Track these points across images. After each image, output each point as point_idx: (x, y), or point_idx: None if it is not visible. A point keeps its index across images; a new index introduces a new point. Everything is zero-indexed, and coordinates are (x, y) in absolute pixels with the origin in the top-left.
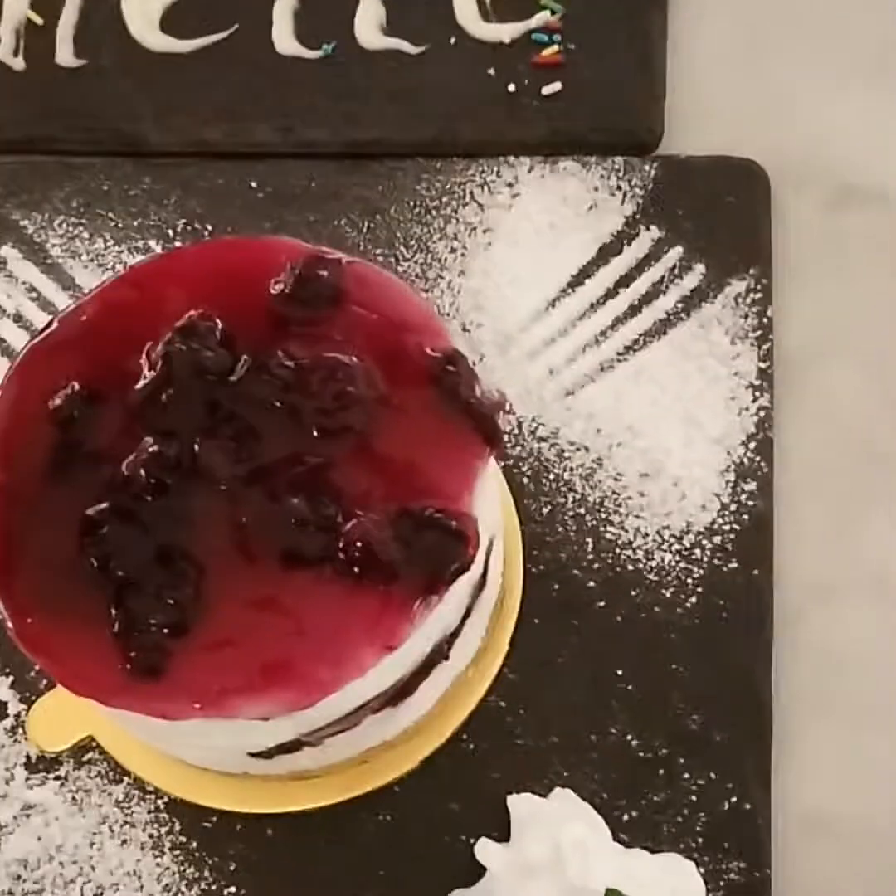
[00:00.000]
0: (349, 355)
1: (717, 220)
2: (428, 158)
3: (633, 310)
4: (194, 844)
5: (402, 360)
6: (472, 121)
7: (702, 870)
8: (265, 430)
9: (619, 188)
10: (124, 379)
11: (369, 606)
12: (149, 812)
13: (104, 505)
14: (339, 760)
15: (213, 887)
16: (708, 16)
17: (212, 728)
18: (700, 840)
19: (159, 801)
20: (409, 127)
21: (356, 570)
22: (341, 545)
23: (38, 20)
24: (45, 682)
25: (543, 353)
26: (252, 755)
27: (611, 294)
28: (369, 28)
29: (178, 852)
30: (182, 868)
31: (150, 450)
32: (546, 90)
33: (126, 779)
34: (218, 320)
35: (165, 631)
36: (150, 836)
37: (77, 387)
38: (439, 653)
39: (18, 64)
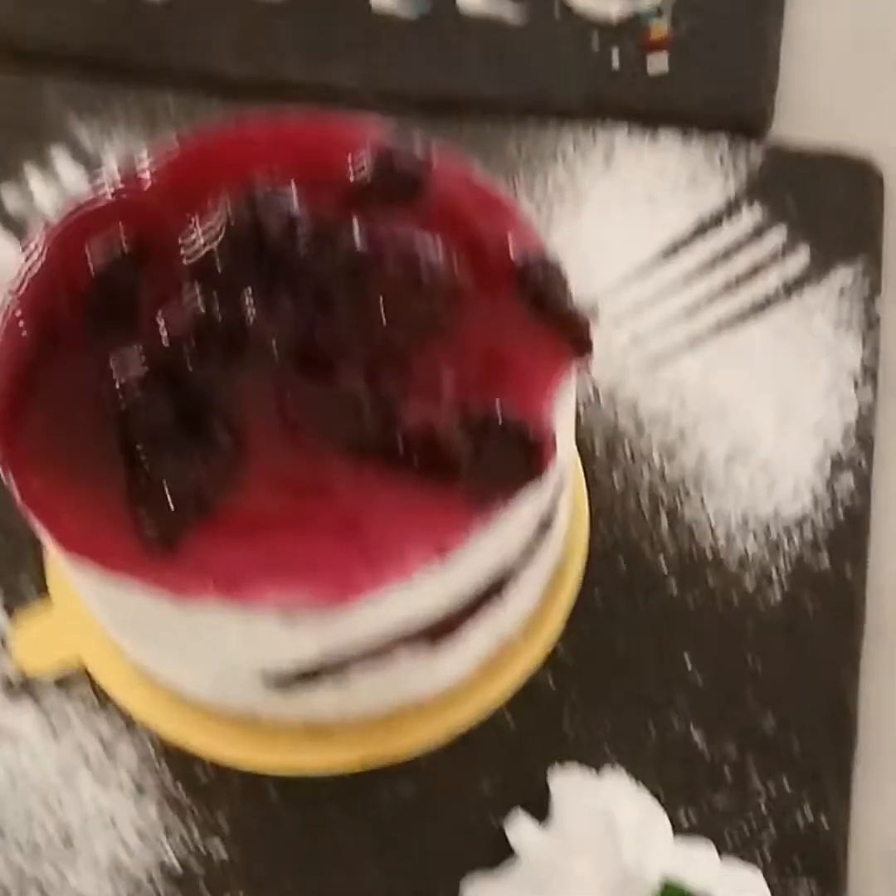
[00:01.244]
0: (430, 243)
1: (825, 208)
2: (520, 118)
3: (730, 288)
4: (183, 796)
5: (488, 256)
6: (569, 88)
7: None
8: (327, 309)
9: (722, 166)
10: (177, 244)
11: (424, 505)
12: (136, 753)
13: (137, 364)
14: (362, 713)
15: (197, 844)
16: (826, 3)
17: (227, 627)
18: (767, 855)
19: (150, 744)
20: (503, 86)
21: (415, 461)
22: (400, 434)
23: None
24: (35, 591)
25: (629, 320)
26: (263, 681)
27: (706, 269)
28: None
29: (163, 802)
30: (164, 818)
31: (197, 312)
32: (652, 69)
33: (113, 712)
34: (288, 190)
35: (187, 502)
36: (133, 780)
37: (124, 247)
38: (493, 590)
39: None
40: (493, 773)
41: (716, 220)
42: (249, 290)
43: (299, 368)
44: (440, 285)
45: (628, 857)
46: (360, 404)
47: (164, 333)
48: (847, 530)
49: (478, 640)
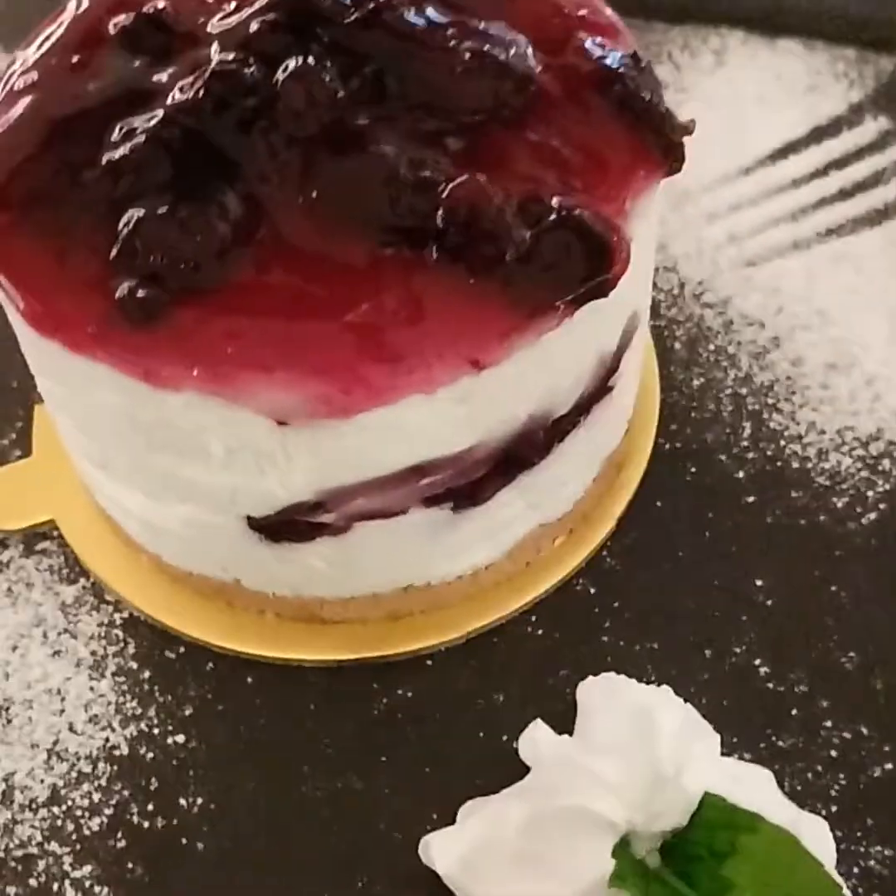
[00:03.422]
0: (503, 29)
1: None
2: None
3: (845, 194)
4: (146, 674)
5: (578, 57)
6: None
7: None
8: (371, 80)
9: (846, 76)
10: (209, 10)
11: (459, 305)
12: (99, 625)
13: (145, 122)
14: (363, 595)
15: (155, 731)
16: None
17: (206, 422)
18: (834, 808)
19: (116, 615)
20: None
21: (453, 245)
22: (440, 210)
23: None
24: (17, 451)
25: (726, 217)
26: (253, 528)
27: (820, 174)
28: None
29: (122, 680)
30: (121, 700)
31: (222, 66)
32: None
33: (82, 581)
34: None
35: (176, 271)
36: (92, 653)
37: (151, 9)
38: (533, 436)
39: None
40: (510, 684)
41: (835, 127)
42: (290, 59)
43: (333, 144)
44: (510, 70)
45: (665, 760)
46: (395, 170)
47: (187, 94)
48: None
49: (508, 517)
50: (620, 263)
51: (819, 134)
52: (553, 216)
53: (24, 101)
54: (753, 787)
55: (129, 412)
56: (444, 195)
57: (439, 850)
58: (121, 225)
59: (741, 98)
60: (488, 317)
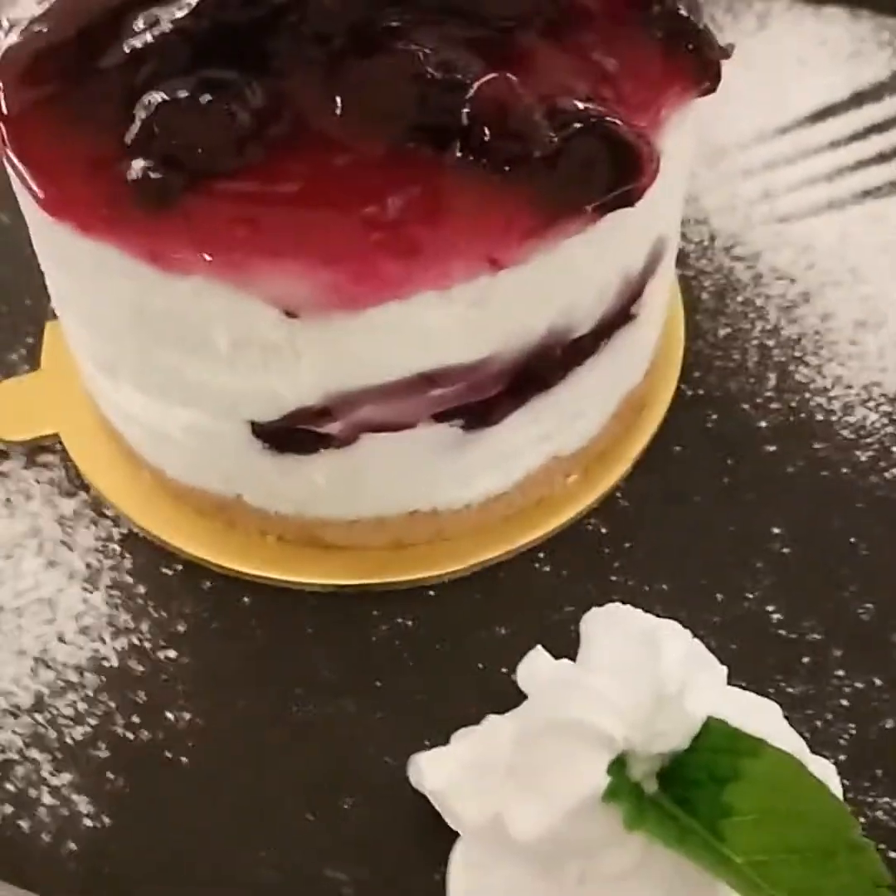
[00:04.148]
0: None
1: None
2: None
3: (883, 158)
4: (141, 589)
5: None
6: None
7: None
8: None
9: (890, 44)
10: None
11: (482, 203)
12: (97, 539)
13: (175, 7)
14: (368, 517)
15: (146, 644)
16: None
17: (214, 312)
18: (843, 757)
19: (114, 530)
20: None
21: (480, 143)
22: (467, 108)
23: None
24: (26, 367)
25: (761, 174)
26: (257, 435)
27: (858, 136)
28: None
29: (116, 593)
30: (113, 613)
31: None
32: None
33: (82, 495)
34: None
35: (192, 154)
36: (87, 565)
37: None
38: (550, 352)
39: None
40: (513, 618)
41: (876, 92)
42: None
43: (362, 43)
44: None
45: (668, 680)
46: (424, 68)
47: None
48: None
49: (520, 444)
50: (649, 174)
51: (860, 99)
52: (582, 121)
53: None
54: (760, 718)
55: (137, 301)
56: (472, 92)
57: (428, 769)
58: (139, 108)
59: (782, 60)
60: (509, 216)
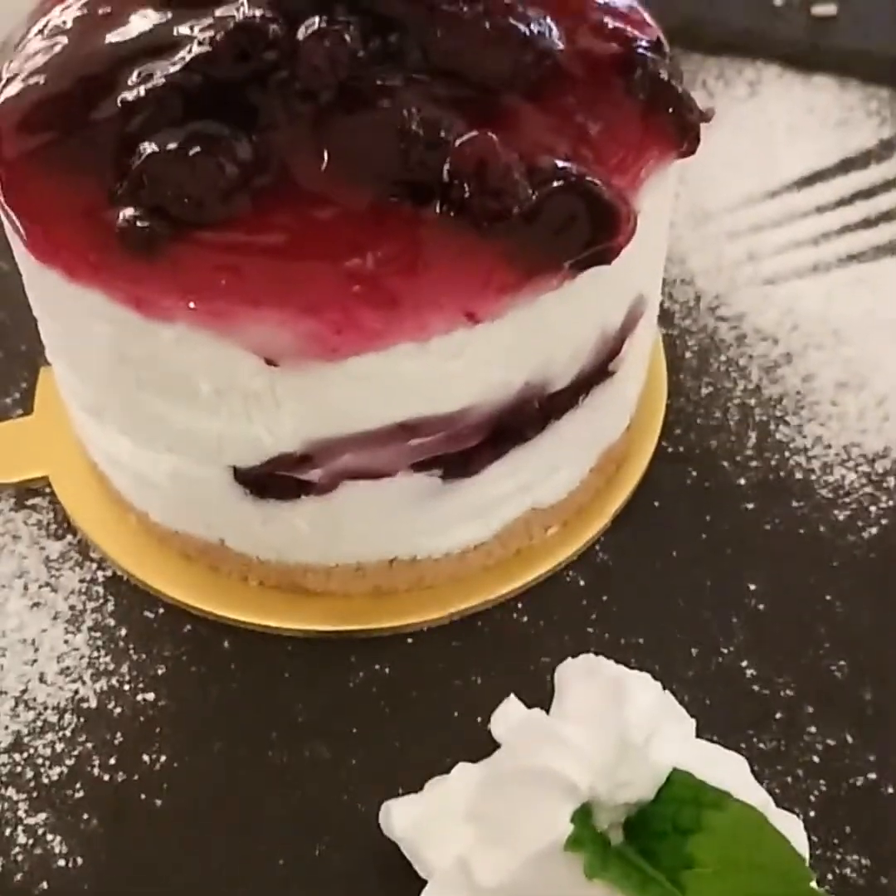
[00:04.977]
0: (533, 8)
1: None
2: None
3: (869, 223)
4: (123, 632)
5: (600, 35)
6: (723, 23)
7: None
8: (392, 43)
9: (878, 114)
10: None
11: (461, 257)
12: (81, 581)
13: (165, 68)
14: (347, 563)
15: (125, 687)
16: None
17: (196, 359)
18: (812, 813)
19: (99, 572)
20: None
21: (459, 198)
22: (448, 164)
23: None
24: (19, 411)
25: (746, 237)
26: (239, 481)
27: (845, 202)
28: None
29: (97, 635)
30: (95, 655)
31: (246, 20)
32: (817, 10)
33: (69, 538)
34: None
35: (179, 204)
36: (71, 607)
37: None
38: (527, 406)
39: None
40: (490, 667)
41: (863, 160)
42: (314, 17)
43: (349, 100)
44: (531, 43)
45: (634, 729)
46: (408, 125)
47: (208, 45)
48: None
49: (499, 496)
50: (626, 233)
51: (847, 165)
52: (561, 180)
53: (52, 45)
54: (726, 771)
55: (121, 348)
56: (454, 151)
57: (398, 815)
58: (129, 161)
59: (772, 127)
60: (487, 271)
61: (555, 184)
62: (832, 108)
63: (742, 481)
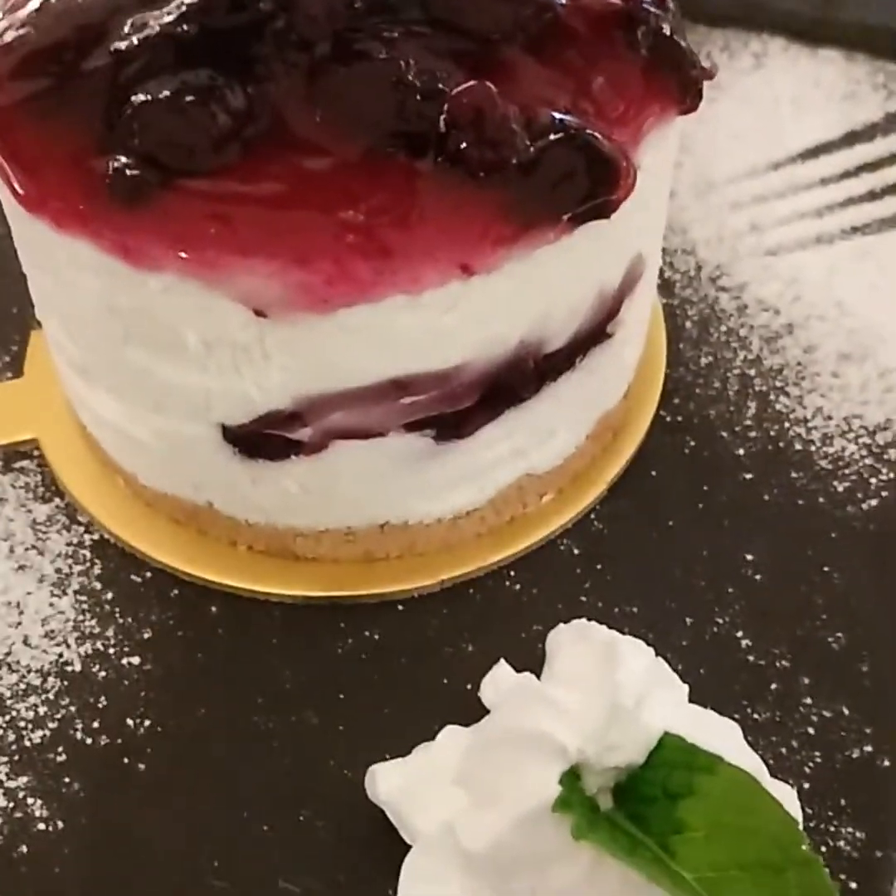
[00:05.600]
0: None
1: None
2: None
3: (873, 196)
4: (108, 595)
5: None
6: None
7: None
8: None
9: (885, 87)
10: None
11: (457, 209)
12: (68, 544)
13: (161, 12)
14: (338, 528)
15: (110, 651)
16: None
17: (184, 310)
18: (807, 785)
19: (86, 536)
20: None
21: (456, 149)
22: (445, 116)
23: None
24: (9, 373)
25: (749, 208)
26: (228, 440)
27: (849, 175)
28: None
29: (84, 599)
30: (80, 618)
31: None
32: None
33: (56, 501)
34: None
35: (169, 152)
36: (57, 570)
37: None
38: (522, 365)
39: None
40: (481, 635)
41: (869, 133)
42: None
43: (345, 51)
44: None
45: (625, 692)
46: (404, 75)
47: None
48: None
49: (492, 459)
50: (625, 187)
51: (852, 138)
52: (560, 132)
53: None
54: (719, 736)
55: (109, 299)
56: (451, 97)
57: (383, 778)
58: (119, 107)
59: (777, 99)
60: (483, 223)
61: (553, 136)
62: (838, 82)
63: (740, 451)
